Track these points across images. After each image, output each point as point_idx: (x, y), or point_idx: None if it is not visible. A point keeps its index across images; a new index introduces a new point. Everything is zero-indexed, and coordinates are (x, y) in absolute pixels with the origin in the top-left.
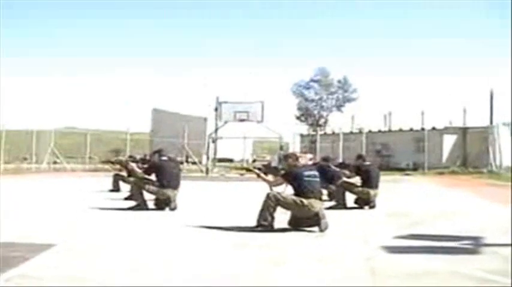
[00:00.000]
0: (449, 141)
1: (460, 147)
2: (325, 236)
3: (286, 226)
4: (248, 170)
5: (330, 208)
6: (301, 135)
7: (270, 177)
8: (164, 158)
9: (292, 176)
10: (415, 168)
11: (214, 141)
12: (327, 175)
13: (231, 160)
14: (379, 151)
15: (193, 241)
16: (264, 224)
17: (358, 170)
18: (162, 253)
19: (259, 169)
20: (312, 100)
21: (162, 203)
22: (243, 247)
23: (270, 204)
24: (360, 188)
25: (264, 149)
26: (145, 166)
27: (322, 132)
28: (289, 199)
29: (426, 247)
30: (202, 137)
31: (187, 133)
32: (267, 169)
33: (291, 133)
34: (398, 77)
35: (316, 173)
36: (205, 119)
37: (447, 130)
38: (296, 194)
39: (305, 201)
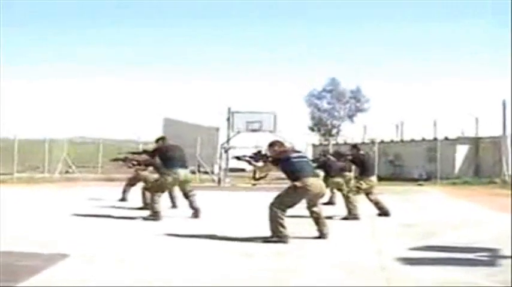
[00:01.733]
0: (461, 152)
1: (472, 157)
2: (338, 245)
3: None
4: (238, 158)
5: (345, 218)
6: (314, 145)
7: (260, 163)
8: (168, 144)
9: (281, 160)
10: (428, 178)
11: (226, 151)
12: (326, 167)
13: (243, 170)
14: (392, 161)
15: (208, 252)
16: (279, 235)
17: (354, 160)
18: (178, 263)
19: (250, 156)
20: (325, 110)
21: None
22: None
23: (277, 214)
24: (361, 181)
25: None
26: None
27: (334, 142)
28: (285, 194)
29: (440, 259)
30: (215, 147)
31: (199, 143)
32: (259, 156)
33: (303, 143)
34: (410, 87)
35: (303, 155)
36: (217, 129)
37: (460, 140)
38: (290, 179)
39: (298, 183)
